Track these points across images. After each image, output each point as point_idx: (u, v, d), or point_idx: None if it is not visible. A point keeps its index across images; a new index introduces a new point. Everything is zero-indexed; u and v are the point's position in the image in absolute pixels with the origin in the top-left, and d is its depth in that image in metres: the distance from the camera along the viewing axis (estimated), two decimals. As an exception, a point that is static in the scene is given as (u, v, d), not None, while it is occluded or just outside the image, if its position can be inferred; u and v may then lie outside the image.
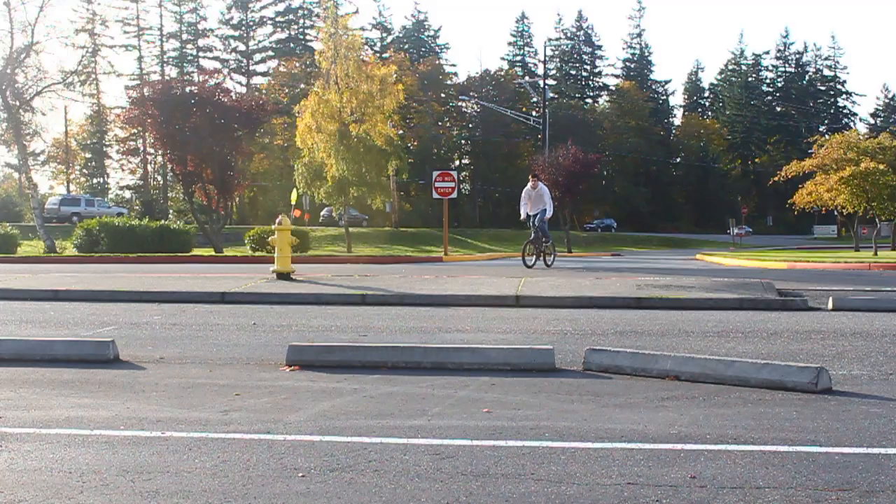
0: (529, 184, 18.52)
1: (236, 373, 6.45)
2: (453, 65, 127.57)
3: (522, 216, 18.63)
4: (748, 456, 4.17)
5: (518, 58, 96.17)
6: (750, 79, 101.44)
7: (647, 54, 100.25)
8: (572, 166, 40.20)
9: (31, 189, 36.70)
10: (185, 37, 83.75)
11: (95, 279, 14.15)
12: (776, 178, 36.40)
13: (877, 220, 33.90)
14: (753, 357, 6.83)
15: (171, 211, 71.53)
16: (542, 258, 18.80)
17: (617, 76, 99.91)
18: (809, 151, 41.96)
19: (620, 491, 3.64)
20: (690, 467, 3.98)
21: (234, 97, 33.39)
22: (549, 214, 18.31)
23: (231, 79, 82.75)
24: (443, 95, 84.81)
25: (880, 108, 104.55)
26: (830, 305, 10.47)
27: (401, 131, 63.43)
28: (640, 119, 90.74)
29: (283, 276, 13.53)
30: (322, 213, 60.14)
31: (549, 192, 19.03)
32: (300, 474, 3.90)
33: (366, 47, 56.55)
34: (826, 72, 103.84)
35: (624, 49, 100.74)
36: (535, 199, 18.38)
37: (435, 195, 31.73)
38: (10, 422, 4.91)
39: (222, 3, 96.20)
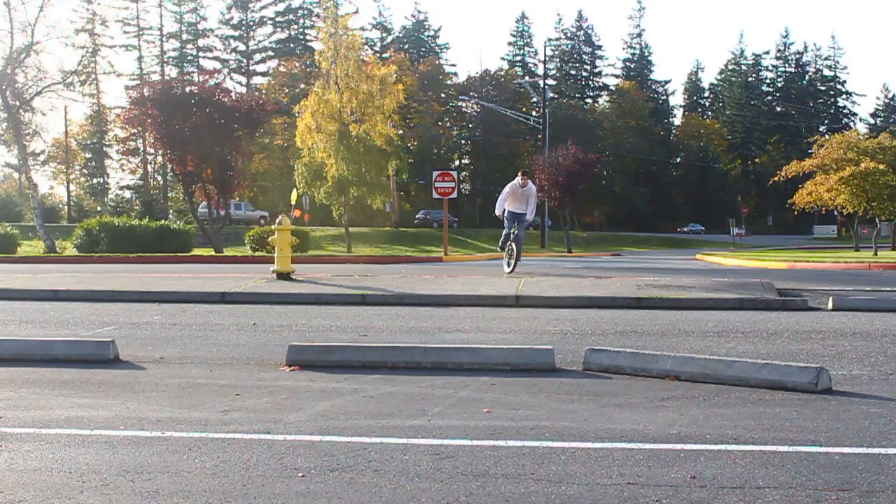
0: (518, 179, 16.00)
1: (236, 373, 6.45)
2: (453, 65, 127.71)
3: (499, 212, 16.12)
4: (748, 456, 4.17)
5: (518, 58, 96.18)
6: (750, 79, 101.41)
7: (647, 54, 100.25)
8: (572, 166, 40.20)
9: (31, 189, 36.71)
10: (185, 37, 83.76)
11: (95, 279, 14.15)
12: (776, 178, 36.40)
13: (877, 220, 33.89)
14: (753, 357, 6.83)
15: (171, 211, 71.51)
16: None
17: (617, 76, 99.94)
18: (809, 151, 41.95)
19: (620, 491, 3.64)
20: (690, 467, 3.98)
21: (234, 97, 33.38)
22: (529, 218, 16.14)
23: (231, 79, 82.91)
24: (443, 95, 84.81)
25: (880, 108, 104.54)
26: (830, 305, 10.47)
27: (401, 131, 63.43)
28: (640, 119, 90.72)
29: (283, 276, 13.53)
30: (417, 216, 62.45)
31: (536, 194, 16.78)
32: (300, 474, 3.90)
33: (366, 47, 56.60)
34: (826, 72, 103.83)
35: (624, 49, 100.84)
36: (520, 198, 16.08)
37: (435, 195, 31.73)
38: (10, 422, 4.91)
39: (222, 3, 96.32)
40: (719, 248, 46.69)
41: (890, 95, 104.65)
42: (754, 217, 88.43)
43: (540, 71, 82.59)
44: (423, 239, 51.80)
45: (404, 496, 3.60)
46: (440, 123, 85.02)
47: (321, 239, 46.72)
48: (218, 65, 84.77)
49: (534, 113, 73.46)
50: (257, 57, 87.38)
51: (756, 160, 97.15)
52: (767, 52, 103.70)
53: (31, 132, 39.51)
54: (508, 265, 15.95)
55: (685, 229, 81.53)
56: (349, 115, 37.67)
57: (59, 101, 44.31)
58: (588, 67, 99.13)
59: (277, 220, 13.89)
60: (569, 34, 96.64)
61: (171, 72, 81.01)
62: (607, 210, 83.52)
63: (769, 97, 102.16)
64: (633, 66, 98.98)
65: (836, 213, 43.17)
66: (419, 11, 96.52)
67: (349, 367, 6.52)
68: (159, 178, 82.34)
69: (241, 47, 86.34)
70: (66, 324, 9.37)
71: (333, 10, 40.49)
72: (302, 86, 71.24)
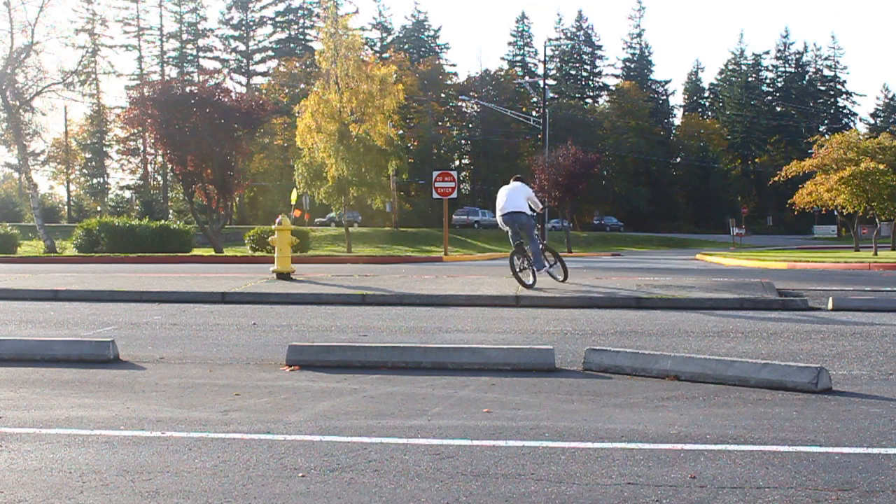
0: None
1: (236, 373, 6.45)
2: (453, 65, 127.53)
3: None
4: (748, 456, 4.17)
5: (518, 58, 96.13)
6: (750, 79, 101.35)
7: (647, 54, 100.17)
8: (572, 166, 40.20)
9: (31, 189, 36.72)
10: (185, 37, 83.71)
11: (95, 279, 14.14)
12: (776, 178, 36.41)
13: (877, 220, 33.88)
14: (753, 357, 6.83)
15: (171, 211, 71.51)
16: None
17: (617, 76, 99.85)
18: (809, 151, 41.99)
19: (620, 491, 3.64)
20: (690, 467, 3.98)
21: (234, 97, 33.40)
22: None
23: (231, 79, 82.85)
24: (443, 95, 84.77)
25: (880, 108, 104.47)
26: (830, 305, 10.47)
27: (401, 131, 63.47)
28: (640, 119, 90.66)
29: (283, 276, 13.53)
30: (596, 220, 61.09)
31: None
32: (300, 474, 3.90)
33: (366, 47, 56.55)
34: (826, 72, 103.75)
35: (624, 49, 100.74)
36: None
37: (435, 195, 31.73)
38: (10, 422, 4.91)
39: (222, 3, 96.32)
40: (719, 248, 46.68)
41: (890, 95, 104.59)
42: (754, 217, 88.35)
43: (540, 71, 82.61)
44: (423, 239, 51.79)
45: (404, 496, 3.60)
46: (440, 123, 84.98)
47: (321, 239, 46.71)
48: (218, 65, 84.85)
49: (534, 113, 73.43)
50: (257, 57, 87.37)
51: (756, 160, 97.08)
52: (767, 52, 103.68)
53: (31, 132, 39.53)
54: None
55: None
56: (349, 115, 37.69)
57: (59, 101, 44.22)
58: (588, 67, 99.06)
59: (277, 220, 13.90)
60: (569, 34, 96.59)
61: (171, 72, 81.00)
62: (607, 210, 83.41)
63: (769, 97, 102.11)
64: (633, 66, 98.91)
65: (836, 213, 43.16)
66: (419, 11, 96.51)
67: (349, 367, 6.52)
68: (159, 178, 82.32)
69: (241, 47, 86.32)
70: (66, 324, 9.36)
71: (333, 10, 40.48)
72: (302, 86, 71.28)
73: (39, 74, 35.66)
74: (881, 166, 30.76)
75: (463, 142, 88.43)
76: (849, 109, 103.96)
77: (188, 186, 32.85)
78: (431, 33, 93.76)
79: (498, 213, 12.61)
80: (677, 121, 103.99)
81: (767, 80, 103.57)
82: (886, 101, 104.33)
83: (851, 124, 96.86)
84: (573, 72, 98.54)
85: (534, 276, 12.50)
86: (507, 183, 13.07)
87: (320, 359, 6.62)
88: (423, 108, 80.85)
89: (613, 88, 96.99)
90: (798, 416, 4.98)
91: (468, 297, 11.34)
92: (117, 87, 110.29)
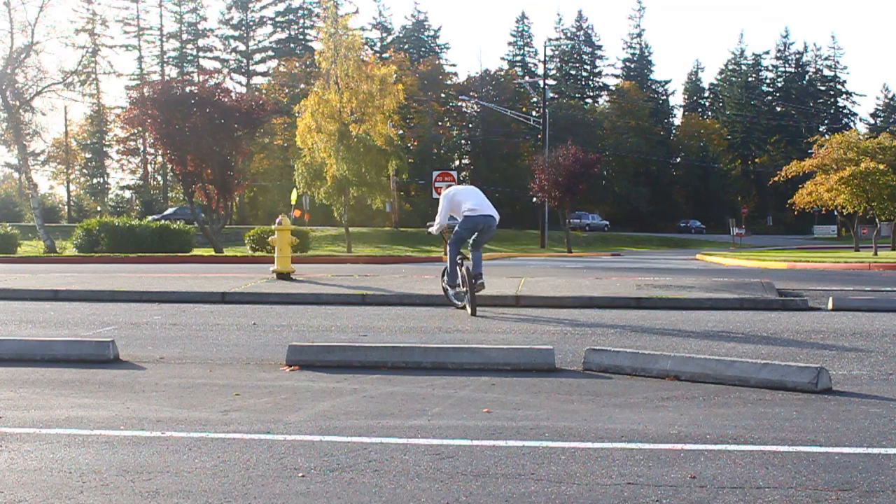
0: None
1: (236, 373, 6.45)
2: (453, 65, 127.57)
3: (444, 223, 10.72)
4: (748, 456, 4.17)
5: (518, 58, 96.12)
6: (750, 79, 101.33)
7: (647, 54, 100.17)
8: (572, 166, 40.20)
9: (31, 189, 36.73)
10: (185, 37, 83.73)
11: (95, 279, 14.15)
12: (776, 178, 36.42)
13: (877, 220, 33.88)
14: (753, 357, 6.83)
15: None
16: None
17: (617, 76, 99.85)
18: (809, 151, 42.00)
19: (620, 491, 3.64)
20: (690, 467, 3.97)
21: (234, 97, 33.37)
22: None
23: (231, 79, 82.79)
24: (443, 95, 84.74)
25: (880, 108, 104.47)
26: (830, 305, 10.47)
27: (401, 131, 63.45)
28: (640, 119, 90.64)
29: (283, 276, 13.54)
30: (682, 223, 62.31)
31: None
32: (300, 474, 3.90)
33: (366, 47, 56.52)
34: (826, 72, 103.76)
35: (624, 49, 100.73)
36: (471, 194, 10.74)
37: (435, 195, 31.72)
38: (10, 422, 4.91)
39: (222, 3, 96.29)
40: (719, 248, 46.67)
41: (890, 95, 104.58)
42: (754, 217, 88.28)
43: (540, 71, 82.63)
44: (423, 239, 51.75)
45: (404, 496, 3.60)
46: (440, 123, 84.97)
47: (321, 239, 46.71)
48: (218, 65, 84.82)
49: (534, 113, 73.46)
50: (257, 57, 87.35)
51: (756, 160, 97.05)
52: (767, 52, 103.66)
53: (31, 132, 39.53)
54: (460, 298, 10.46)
55: (683, 224, 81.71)
56: (349, 115, 37.70)
57: (59, 101, 44.19)
58: (588, 67, 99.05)
59: (277, 220, 13.91)
60: (569, 34, 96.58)
61: (171, 72, 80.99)
62: (607, 210, 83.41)
63: (769, 97, 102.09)
64: (633, 66, 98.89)
65: (836, 213, 43.16)
66: (419, 11, 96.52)
67: (349, 367, 6.52)
68: (159, 178, 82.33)
69: (241, 47, 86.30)
70: (66, 324, 9.36)
71: (333, 10, 40.46)
72: (302, 86, 71.24)
73: (39, 74, 35.71)
74: (881, 166, 30.77)
75: (463, 142, 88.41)
76: (849, 109, 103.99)
77: (188, 186, 32.84)
78: (431, 33, 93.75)
79: (465, 212, 10.04)
80: (677, 121, 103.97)
81: (767, 80, 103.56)
82: (886, 101, 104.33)
83: (851, 124, 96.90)
84: (573, 72, 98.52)
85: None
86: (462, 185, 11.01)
87: (320, 359, 6.62)
88: (423, 108, 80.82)
89: (613, 88, 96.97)
90: (798, 416, 4.98)
91: (468, 297, 11.32)
92: (117, 87, 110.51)
